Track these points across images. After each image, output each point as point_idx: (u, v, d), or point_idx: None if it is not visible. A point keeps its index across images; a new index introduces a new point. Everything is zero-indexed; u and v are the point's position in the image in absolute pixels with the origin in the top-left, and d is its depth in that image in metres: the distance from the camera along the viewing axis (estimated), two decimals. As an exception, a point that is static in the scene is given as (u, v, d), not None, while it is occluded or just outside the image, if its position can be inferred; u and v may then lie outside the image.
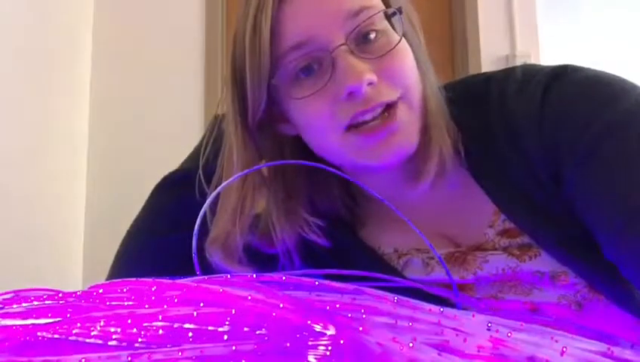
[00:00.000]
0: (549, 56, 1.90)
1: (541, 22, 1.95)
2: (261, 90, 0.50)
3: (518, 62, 1.89)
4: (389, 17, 0.51)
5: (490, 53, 1.93)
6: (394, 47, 0.49)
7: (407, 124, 0.49)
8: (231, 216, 0.54)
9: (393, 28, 0.51)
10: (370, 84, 0.47)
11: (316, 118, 0.50)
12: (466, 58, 1.94)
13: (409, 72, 0.50)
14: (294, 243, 0.56)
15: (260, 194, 0.56)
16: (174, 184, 0.71)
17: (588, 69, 0.51)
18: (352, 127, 0.49)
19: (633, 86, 0.49)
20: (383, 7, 0.50)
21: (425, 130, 0.51)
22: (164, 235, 0.66)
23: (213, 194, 0.43)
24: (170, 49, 1.98)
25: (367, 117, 0.48)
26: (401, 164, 0.51)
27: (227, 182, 0.51)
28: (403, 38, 0.50)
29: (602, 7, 1.97)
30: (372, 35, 0.49)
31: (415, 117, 0.50)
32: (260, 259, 0.57)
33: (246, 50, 0.50)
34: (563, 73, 0.51)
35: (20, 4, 1.55)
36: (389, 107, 0.49)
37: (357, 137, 0.49)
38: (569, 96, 0.49)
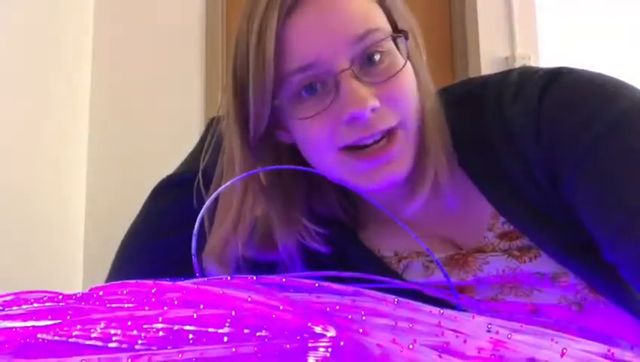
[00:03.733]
0: (548, 58, 1.90)
1: (540, 23, 1.95)
2: (264, 108, 0.50)
3: (518, 63, 1.89)
4: (394, 38, 0.50)
5: (490, 55, 1.93)
6: (398, 71, 0.49)
7: (403, 152, 0.50)
8: (228, 228, 0.54)
9: (398, 48, 0.51)
10: (373, 109, 0.47)
11: (315, 137, 0.50)
12: (466, 60, 1.94)
13: (410, 96, 0.50)
14: (295, 249, 0.56)
15: (258, 206, 0.56)
16: (172, 187, 0.71)
17: (583, 71, 0.52)
18: (349, 148, 0.49)
19: (628, 86, 0.49)
20: (389, 28, 0.50)
21: (421, 152, 0.52)
22: (163, 238, 0.66)
23: (212, 197, 0.43)
24: (170, 49, 1.98)
25: (367, 141, 0.49)
26: (393, 187, 0.51)
27: (225, 185, 0.51)
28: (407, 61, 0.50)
29: (602, 7, 1.97)
30: (377, 57, 0.49)
31: (411, 142, 0.51)
32: (259, 267, 0.57)
33: (250, 67, 0.49)
34: (558, 75, 0.51)
35: (19, 4, 1.55)
36: (389, 132, 0.49)
37: (352, 160, 0.49)
38: (565, 98, 0.49)
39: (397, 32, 0.50)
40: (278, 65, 0.48)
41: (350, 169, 0.50)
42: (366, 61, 0.49)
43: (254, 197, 0.55)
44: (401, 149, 0.49)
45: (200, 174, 0.59)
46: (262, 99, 0.49)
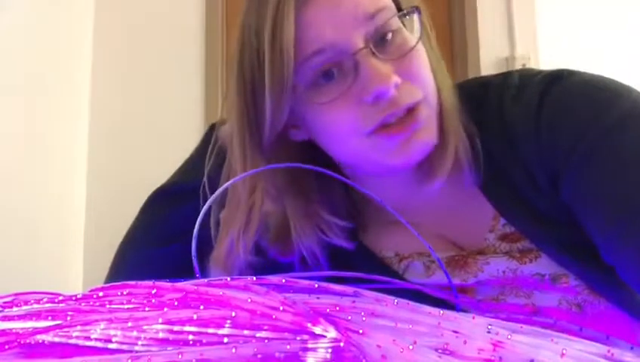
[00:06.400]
0: (548, 59, 1.90)
1: (540, 24, 1.95)
2: (283, 98, 0.49)
3: (518, 64, 1.89)
4: (401, 17, 0.51)
5: (490, 56, 1.93)
6: (412, 47, 0.49)
7: (427, 122, 0.50)
8: (235, 236, 0.53)
9: (405, 27, 0.51)
10: (395, 86, 0.47)
11: (340, 121, 0.49)
12: (466, 60, 1.94)
13: (427, 71, 0.50)
14: (317, 246, 0.56)
15: (267, 211, 0.55)
16: (166, 197, 0.70)
17: (583, 73, 0.52)
18: (377, 129, 0.49)
19: (628, 89, 0.49)
20: (394, 7, 0.50)
21: (441, 128, 0.52)
22: (157, 247, 0.66)
23: (212, 197, 0.43)
24: (170, 49, 1.98)
25: (392, 119, 0.48)
26: (419, 162, 0.51)
27: (226, 185, 0.51)
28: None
29: (602, 8, 1.97)
30: (389, 36, 0.49)
31: (433, 114, 0.51)
32: (271, 269, 0.57)
33: (265, 62, 0.48)
34: (559, 78, 0.51)
35: (19, 4, 1.55)
36: (412, 108, 0.49)
37: (382, 138, 0.49)
38: (565, 101, 0.50)
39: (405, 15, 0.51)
40: (295, 52, 0.48)
41: (379, 148, 0.49)
42: (379, 41, 0.49)
43: (263, 201, 0.54)
44: (426, 118, 0.49)
45: (206, 181, 0.58)
46: (281, 90, 0.48)
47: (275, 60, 0.48)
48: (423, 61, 0.50)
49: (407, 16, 0.51)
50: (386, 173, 0.54)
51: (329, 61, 0.48)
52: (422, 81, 0.49)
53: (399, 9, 0.51)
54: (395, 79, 0.47)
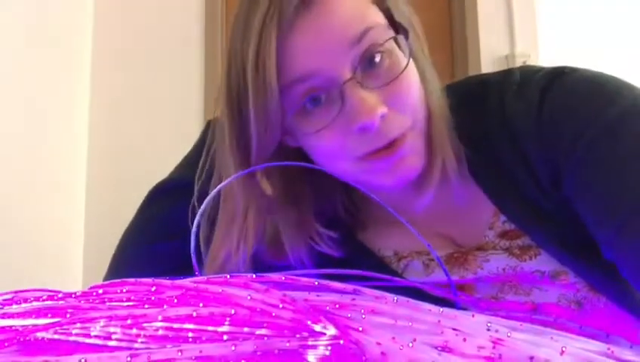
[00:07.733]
0: (548, 57, 1.90)
1: (540, 22, 1.95)
2: (268, 128, 0.47)
3: (518, 62, 1.89)
4: (394, 37, 0.49)
5: (490, 54, 1.93)
6: (402, 72, 0.48)
7: (414, 147, 0.49)
8: (235, 243, 0.53)
9: (398, 45, 0.50)
10: (382, 116, 0.46)
11: (328, 148, 0.49)
12: (466, 58, 1.94)
13: (416, 94, 0.49)
14: (306, 254, 0.56)
15: (262, 220, 0.55)
16: (165, 193, 0.70)
17: (584, 70, 0.52)
18: (366, 156, 0.48)
19: (630, 86, 0.49)
20: (387, 26, 0.49)
21: (428, 143, 0.51)
22: (156, 243, 0.66)
23: (206, 201, 0.43)
24: (170, 49, 1.98)
25: (380, 145, 0.48)
26: (408, 182, 0.51)
27: (215, 190, 0.50)
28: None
29: (602, 6, 1.97)
30: (377, 58, 0.48)
31: (421, 137, 0.50)
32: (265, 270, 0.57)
33: (249, 88, 0.47)
34: (560, 74, 0.51)
35: (19, 3, 1.55)
36: (399, 137, 0.48)
37: (372, 161, 0.49)
38: (566, 98, 0.50)
39: (396, 30, 0.50)
40: (278, 80, 0.46)
41: (370, 171, 0.49)
42: (367, 64, 0.47)
43: (258, 216, 0.54)
44: (413, 144, 0.49)
45: (197, 184, 0.58)
46: (266, 121, 0.47)
47: (259, 90, 0.46)
48: (413, 83, 0.49)
49: (398, 36, 0.49)
50: (375, 190, 0.54)
51: (316, 88, 0.47)
52: (410, 107, 0.49)
53: (393, 25, 0.49)
54: (382, 110, 0.46)
